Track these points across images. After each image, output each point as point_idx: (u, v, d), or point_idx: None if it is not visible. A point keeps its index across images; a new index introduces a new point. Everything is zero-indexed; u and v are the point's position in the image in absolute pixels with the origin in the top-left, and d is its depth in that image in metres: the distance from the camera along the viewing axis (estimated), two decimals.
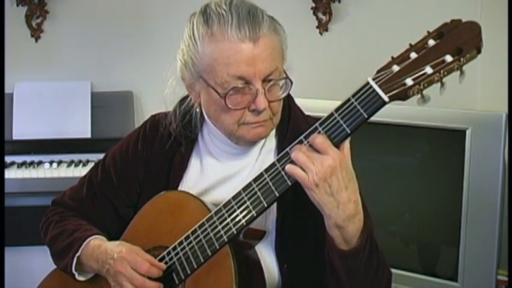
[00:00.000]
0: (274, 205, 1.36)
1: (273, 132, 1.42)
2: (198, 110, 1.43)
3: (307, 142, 1.19)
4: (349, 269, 1.25)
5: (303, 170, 1.17)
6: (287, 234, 1.36)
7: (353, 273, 1.25)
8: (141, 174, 1.49)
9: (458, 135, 2.03)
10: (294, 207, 1.36)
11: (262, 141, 1.42)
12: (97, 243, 1.41)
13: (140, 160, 1.49)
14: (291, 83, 1.32)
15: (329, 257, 1.26)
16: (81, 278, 1.44)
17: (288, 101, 1.42)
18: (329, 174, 1.15)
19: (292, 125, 1.40)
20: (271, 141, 1.43)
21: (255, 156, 1.42)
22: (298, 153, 1.18)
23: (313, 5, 3.04)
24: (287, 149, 1.25)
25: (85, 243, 1.41)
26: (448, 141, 2.13)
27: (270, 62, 1.28)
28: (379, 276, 1.30)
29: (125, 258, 1.33)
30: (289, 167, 1.19)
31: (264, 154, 1.41)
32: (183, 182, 1.45)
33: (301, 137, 1.24)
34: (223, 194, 1.33)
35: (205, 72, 1.30)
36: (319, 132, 1.21)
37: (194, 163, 1.47)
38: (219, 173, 1.43)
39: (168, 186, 1.45)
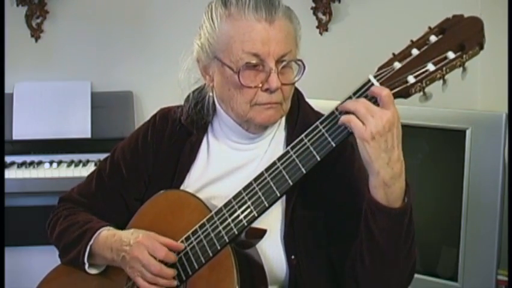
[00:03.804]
0: (284, 196, 1.35)
1: (283, 124, 1.43)
2: (210, 94, 1.43)
3: (367, 96, 1.18)
4: (393, 233, 1.22)
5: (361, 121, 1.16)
6: (296, 225, 1.35)
7: (396, 238, 1.22)
8: (150, 165, 1.48)
9: (458, 135, 2.03)
10: (304, 197, 1.36)
11: (272, 133, 1.42)
12: (110, 232, 1.41)
13: (149, 151, 1.49)
14: (304, 67, 1.34)
15: (369, 225, 1.23)
16: (91, 271, 1.43)
17: (297, 95, 1.44)
18: (387, 129, 1.15)
19: (302, 118, 1.41)
20: (280, 134, 1.43)
21: (265, 148, 1.42)
22: (357, 104, 1.17)
23: (313, 5, 3.05)
24: (289, 147, 1.25)
25: (97, 233, 1.41)
26: (448, 141, 2.13)
27: (284, 44, 1.30)
28: (413, 249, 1.28)
29: (143, 243, 1.32)
30: (345, 117, 1.18)
31: (274, 146, 1.42)
32: (191, 172, 1.45)
33: (302, 135, 1.24)
34: (232, 185, 1.33)
35: (220, 51, 1.33)
36: (319, 130, 1.22)
37: (203, 153, 1.46)
38: (227, 164, 1.43)
39: (175, 176, 1.44)
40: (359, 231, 1.26)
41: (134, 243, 1.33)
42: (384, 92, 1.16)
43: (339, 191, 1.35)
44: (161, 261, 1.31)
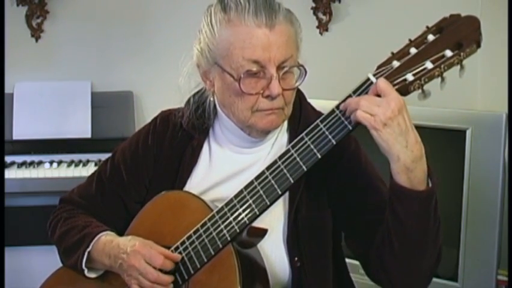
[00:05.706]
0: (287, 196, 1.35)
1: (285, 127, 1.43)
2: (211, 99, 1.43)
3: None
4: (421, 216, 1.20)
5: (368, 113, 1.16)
6: (300, 226, 1.35)
7: (424, 221, 1.20)
8: (151, 169, 1.48)
9: (458, 135, 2.03)
10: (308, 197, 1.36)
11: (275, 136, 1.42)
12: (108, 238, 1.40)
13: (150, 154, 1.48)
14: (305, 72, 1.33)
15: (396, 211, 1.21)
16: (91, 275, 1.43)
17: (299, 97, 1.43)
18: (396, 113, 1.15)
19: (304, 119, 1.40)
20: (283, 136, 1.43)
21: (267, 150, 1.42)
22: (360, 100, 1.17)
23: (314, 5, 3.05)
24: (289, 145, 1.25)
25: (95, 238, 1.41)
26: (448, 141, 2.12)
27: (285, 49, 1.29)
28: (440, 233, 1.26)
29: (139, 251, 1.32)
30: (353, 114, 1.17)
31: (276, 149, 1.41)
32: (192, 175, 1.45)
33: (303, 134, 1.24)
34: (235, 187, 1.32)
35: (221, 57, 1.31)
36: (320, 129, 1.22)
37: (204, 157, 1.46)
38: (230, 167, 1.42)
39: (176, 179, 1.44)
40: (384, 220, 1.24)
41: (130, 252, 1.33)
42: (379, 83, 1.16)
43: (348, 188, 1.35)
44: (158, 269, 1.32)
